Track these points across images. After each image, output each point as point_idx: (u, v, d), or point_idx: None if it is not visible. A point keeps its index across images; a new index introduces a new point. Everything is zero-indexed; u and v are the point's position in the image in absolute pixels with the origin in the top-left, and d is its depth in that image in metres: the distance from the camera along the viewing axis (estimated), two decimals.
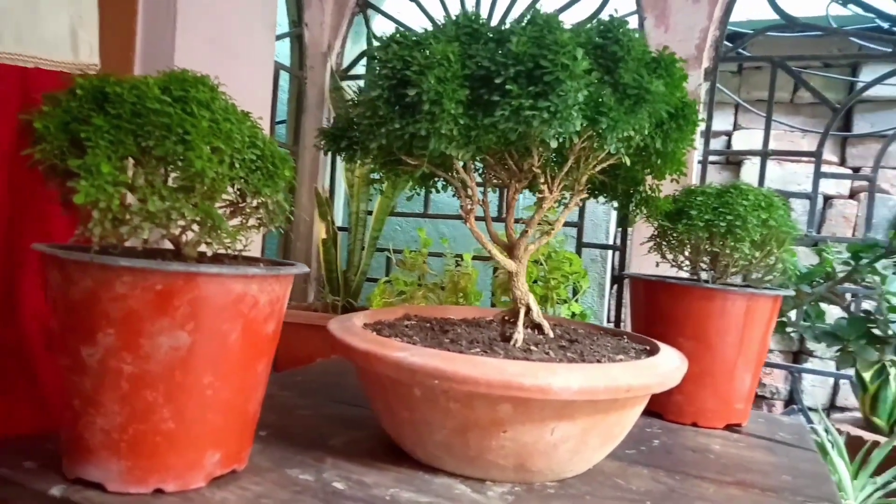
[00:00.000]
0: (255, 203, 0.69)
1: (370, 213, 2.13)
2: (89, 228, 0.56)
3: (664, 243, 1.02)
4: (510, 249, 0.82)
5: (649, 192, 0.89)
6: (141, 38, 1.67)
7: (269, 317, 0.63)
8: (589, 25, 0.69)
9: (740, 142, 2.95)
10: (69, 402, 0.58)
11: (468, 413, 0.63)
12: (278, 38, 2.24)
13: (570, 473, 0.71)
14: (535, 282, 1.94)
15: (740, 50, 2.00)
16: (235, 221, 0.70)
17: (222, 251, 0.65)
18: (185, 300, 0.56)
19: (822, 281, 1.68)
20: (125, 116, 0.57)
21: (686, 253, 1.00)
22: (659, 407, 0.99)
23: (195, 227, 0.61)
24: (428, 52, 0.65)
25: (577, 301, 1.98)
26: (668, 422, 0.98)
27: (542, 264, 1.93)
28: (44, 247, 0.58)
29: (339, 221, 2.32)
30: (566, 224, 2.06)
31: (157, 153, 0.57)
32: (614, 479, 0.73)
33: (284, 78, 2.27)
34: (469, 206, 0.79)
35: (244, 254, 0.71)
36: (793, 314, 1.73)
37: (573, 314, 1.95)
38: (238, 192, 0.68)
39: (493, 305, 2.07)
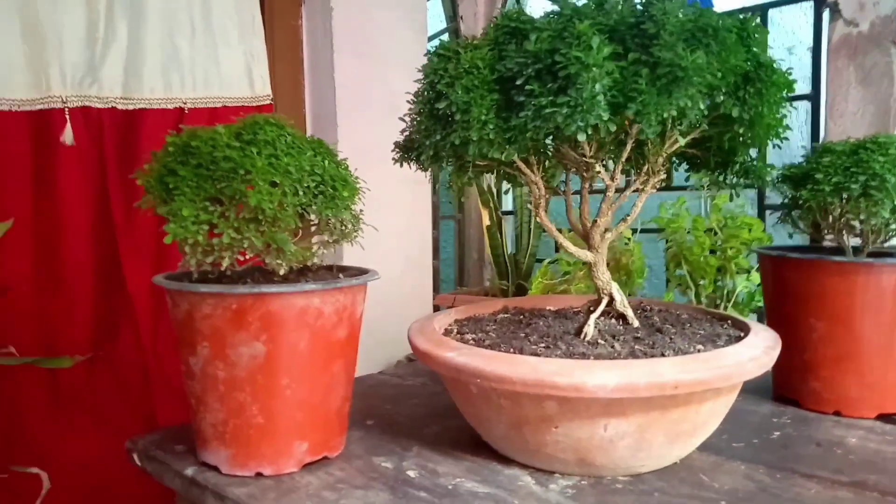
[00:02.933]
0: (330, 222, 0.77)
1: None
2: (187, 260, 0.69)
3: (793, 213, 0.91)
4: (587, 239, 0.80)
5: (750, 161, 0.80)
6: (307, 63, 1.87)
7: (337, 324, 0.71)
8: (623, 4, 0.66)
9: None
10: (189, 402, 0.72)
11: (518, 410, 0.65)
12: (436, 35, 2.34)
13: (644, 468, 0.69)
14: (711, 252, 1.80)
15: None
16: (323, 237, 0.79)
17: (300, 267, 0.75)
18: (256, 316, 0.66)
19: None
20: (205, 164, 0.68)
21: (821, 222, 0.88)
22: (795, 394, 0.89)
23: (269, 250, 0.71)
24: (457, 62, 0.67)
25: (758, 270, 1.80)
26: (805, 410, 0.88)
27: (716, 233, 1.79)
28: (159, 278, 0.72)
29: (508, 206, 2.37)
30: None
31: (227, 193, 0.68)
32: (699, 476, 0.69)
33: None
34: (538, 199, 0.79)
35: (342, 265, 0.81)
36: None
37: (757, 285, 1.78)
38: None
39: (667, 281, 1.96)
